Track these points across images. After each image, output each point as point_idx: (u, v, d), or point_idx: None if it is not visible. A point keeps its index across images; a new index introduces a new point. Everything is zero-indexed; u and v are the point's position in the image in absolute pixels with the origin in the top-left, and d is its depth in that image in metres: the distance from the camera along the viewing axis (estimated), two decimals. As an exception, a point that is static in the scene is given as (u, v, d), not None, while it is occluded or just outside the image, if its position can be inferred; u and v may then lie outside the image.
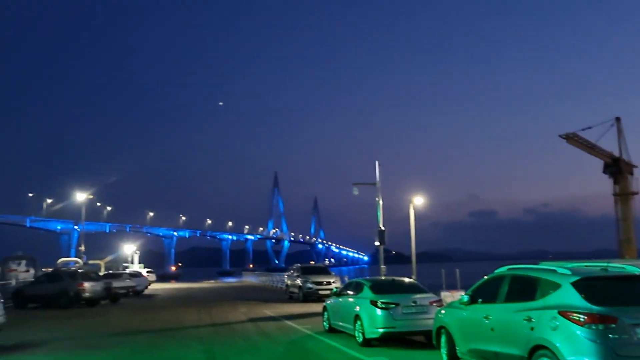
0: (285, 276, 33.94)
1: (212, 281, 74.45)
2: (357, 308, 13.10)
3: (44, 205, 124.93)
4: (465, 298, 9.09)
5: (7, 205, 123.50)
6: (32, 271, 40.48)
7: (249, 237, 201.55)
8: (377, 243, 27.49)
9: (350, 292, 14.34)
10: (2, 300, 13.79)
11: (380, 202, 27.67)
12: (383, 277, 17.87)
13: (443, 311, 10.10)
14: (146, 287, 40.56)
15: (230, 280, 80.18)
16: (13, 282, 33.89)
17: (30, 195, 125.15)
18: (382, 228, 27.22)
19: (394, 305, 12.39)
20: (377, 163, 27.91)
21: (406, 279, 14.77)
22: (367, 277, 15.44)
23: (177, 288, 50.15)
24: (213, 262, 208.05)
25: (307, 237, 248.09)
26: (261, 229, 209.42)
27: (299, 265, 31.25)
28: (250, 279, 64.55)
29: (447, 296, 16.99)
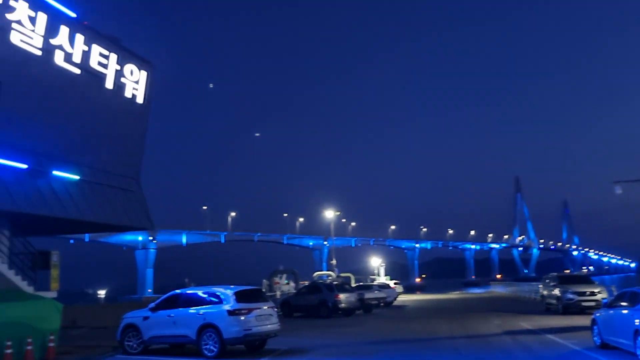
0: (540, 286, 31.66)
1: (458, 292, 73.48)
2: (637, 322, 11.44)
3: (297, 224, 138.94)
4: None
5: (268, 225, 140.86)
6: (292, 284, 44.51)
7: (494, 245, 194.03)
8: (650, 247, 23.94)
9: (624, 304, 12.65)
10: (275, 310, 15.40)
11: (651, 200, 24.13)
12: (663, 286, 15.38)
13: None
14: (395, 299, 41.49)
15: (477, 291, 78.08)
16: (278, 293, 37.94)
17: (285, 215, 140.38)
18: (655, 230, 23.62)
19: None
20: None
21: None
22: None
23: (424, 299, 50.43)
24: (457, 273, 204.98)
25: (559, 244, 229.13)
26: (506, 236, 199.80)
27: (555, 274, 29.01)
28: (497, 290, 61.97)
29: None
